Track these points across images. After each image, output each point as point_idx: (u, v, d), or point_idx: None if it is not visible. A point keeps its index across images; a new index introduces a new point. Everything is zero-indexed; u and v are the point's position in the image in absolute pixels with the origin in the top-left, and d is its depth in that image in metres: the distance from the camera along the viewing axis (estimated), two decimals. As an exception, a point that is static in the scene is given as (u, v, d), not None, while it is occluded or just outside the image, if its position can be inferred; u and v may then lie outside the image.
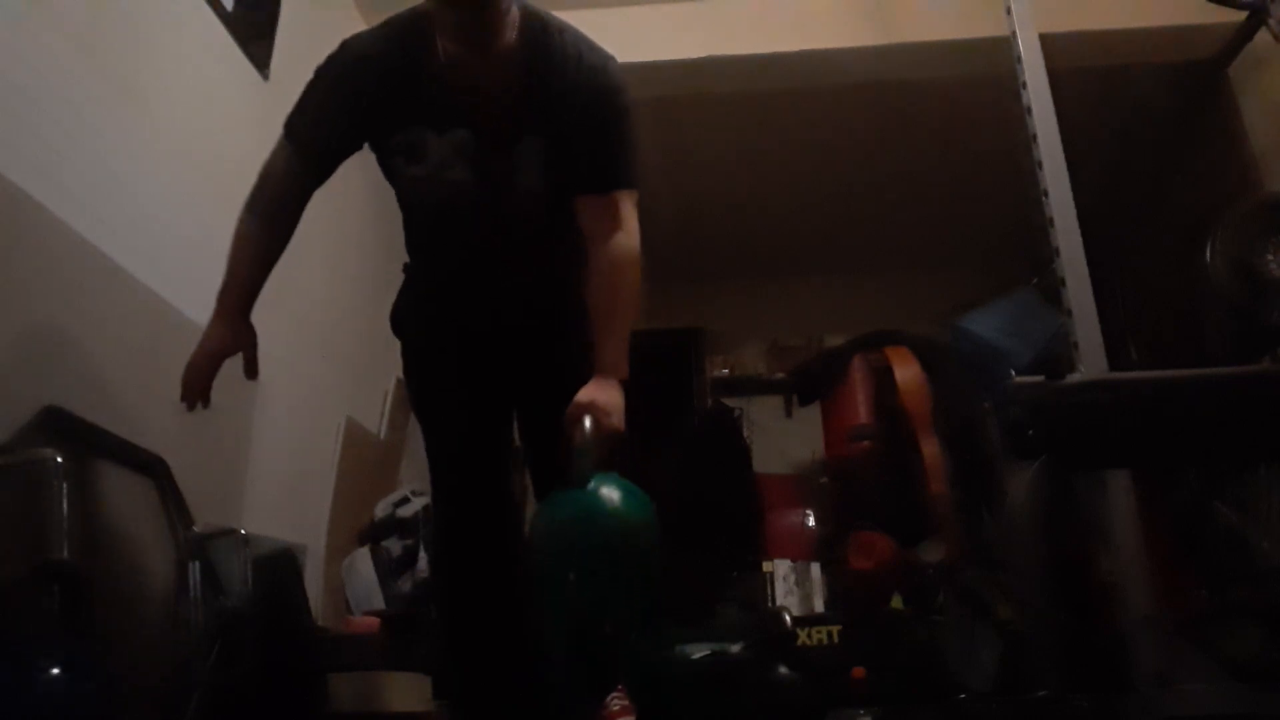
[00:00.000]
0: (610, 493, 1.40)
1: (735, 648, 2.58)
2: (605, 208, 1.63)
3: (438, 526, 1.94)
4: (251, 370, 1.74)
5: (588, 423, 1.43)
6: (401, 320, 1.92)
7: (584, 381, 1.53)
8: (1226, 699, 1.78)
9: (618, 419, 1.48)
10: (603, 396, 1.49)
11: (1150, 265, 3.90)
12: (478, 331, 1.81)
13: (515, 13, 1.64)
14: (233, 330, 1.71)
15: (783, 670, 2.57)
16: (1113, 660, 1.91)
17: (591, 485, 1.40)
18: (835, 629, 2.91)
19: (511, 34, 1.63)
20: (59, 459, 1.52)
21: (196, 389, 1.70)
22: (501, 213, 1.69)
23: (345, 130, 1.71)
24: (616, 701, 1.88)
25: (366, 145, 1.77)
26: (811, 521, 4.15)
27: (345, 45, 1.70)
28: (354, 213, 3.18)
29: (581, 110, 1.62)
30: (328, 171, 1.76)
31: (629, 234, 1.62)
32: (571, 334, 1.70)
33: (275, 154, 1.73)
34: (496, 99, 1.65)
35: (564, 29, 1.67)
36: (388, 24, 1.70)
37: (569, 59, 1.63)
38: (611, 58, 1.68)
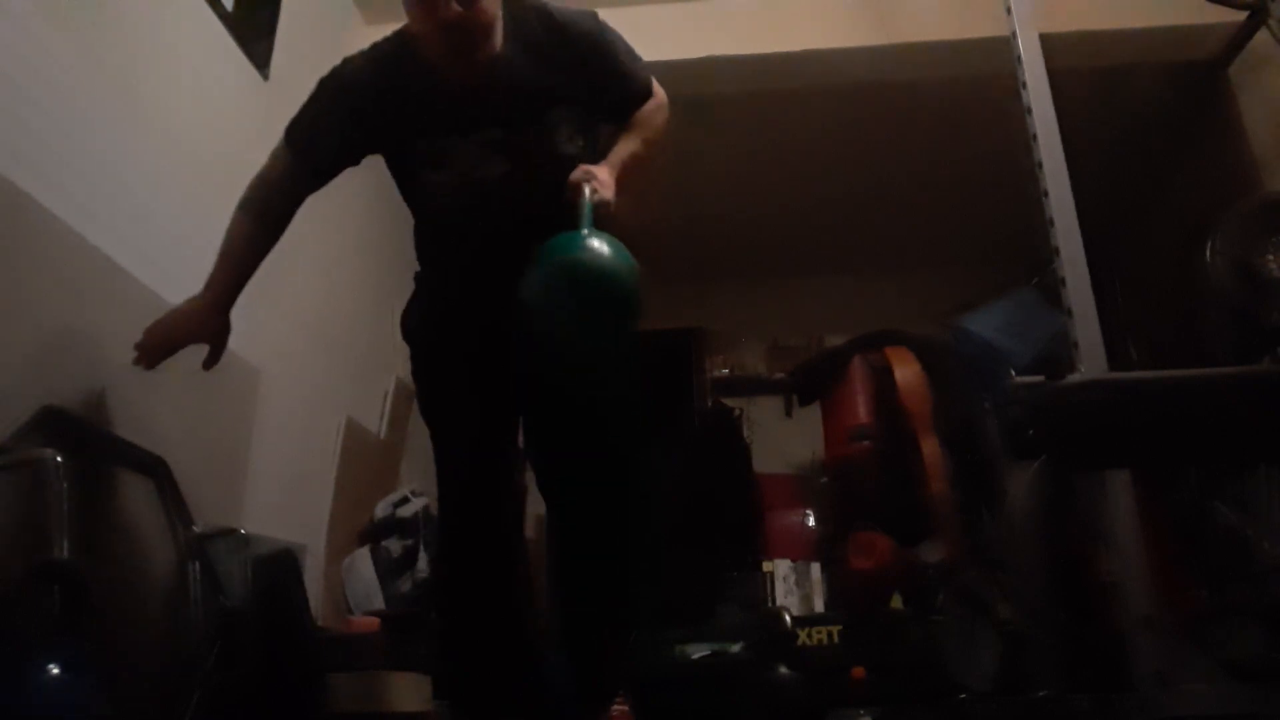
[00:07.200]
0: (601, 238, 1.61)
1: (735, 648, 2.59)
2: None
3: (442, 529, 1.94)
4: (210, 362, 1.81)
5: (588, 190, 1.66)
6: (414, 327, 1.93)
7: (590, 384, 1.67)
8: (1226, 699, 1.78)
9: (608, 193, 1.69)
10: (600, 173, 1.70)
11: (1150, 265, 3.90)
12: (494, 335, 1.81)
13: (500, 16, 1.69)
14: (207, 321, 1.77)
15: (783, 670, 2.58)
16: (1113, 660, 1.91)
17: (586, 230, 1.61)
18: (835, 629, 2.91)
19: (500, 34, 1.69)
20: (59, 459, 1.51)
21: (149, 359, 1.75)
22: (540, 193, 1.73)
23: (345, 145, 1.78)
24: (615, 708, 1.88)
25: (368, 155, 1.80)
26: (811, 521, 4.15)
27: (347, 62, 1.76)
28: (355, 214, 3.18)
29: (588, 61, 1.77)
30: (324, 180, 1.81)
31: (658, 98, 1.90)
32: None
33: (274, 158, 1.78)
34: (504, 91, 1.70)
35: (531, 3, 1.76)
36: (376, 48, 1.76)
37: (556, 27, 1.75)
38: (583, 9, 1.80)
